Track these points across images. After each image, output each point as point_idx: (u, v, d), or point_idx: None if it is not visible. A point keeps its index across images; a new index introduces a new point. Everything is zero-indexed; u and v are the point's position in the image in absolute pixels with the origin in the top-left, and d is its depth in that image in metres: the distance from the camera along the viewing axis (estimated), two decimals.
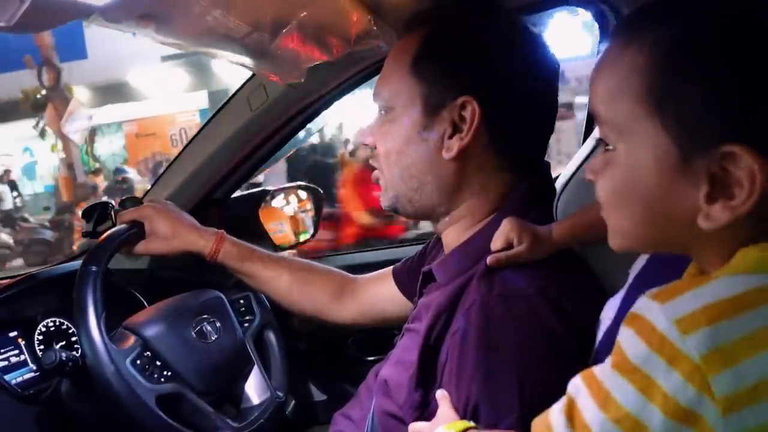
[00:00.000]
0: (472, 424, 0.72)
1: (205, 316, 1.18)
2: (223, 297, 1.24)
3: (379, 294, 1.18)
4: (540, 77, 0.89)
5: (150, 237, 1.16)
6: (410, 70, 0.87)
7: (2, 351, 1.14)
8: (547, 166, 0.94)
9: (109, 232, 1.14)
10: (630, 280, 0.73)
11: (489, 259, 0.80)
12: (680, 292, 0.51)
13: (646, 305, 0.52)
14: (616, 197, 0.58)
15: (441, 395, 0.77)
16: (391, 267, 1.18)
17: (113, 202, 1.28)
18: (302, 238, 1.61)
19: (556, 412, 0.58)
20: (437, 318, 0.81)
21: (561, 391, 0.57)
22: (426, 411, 0.80)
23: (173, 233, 1.16)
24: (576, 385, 0.56)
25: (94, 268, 1.07)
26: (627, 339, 0.52)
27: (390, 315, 1.17)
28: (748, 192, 0.51)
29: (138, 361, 1.06)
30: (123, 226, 1.15)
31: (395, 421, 0.84)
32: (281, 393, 1.23)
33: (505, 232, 0.81)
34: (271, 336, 1.30)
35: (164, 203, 1.22)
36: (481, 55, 0.85)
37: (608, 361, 0.53)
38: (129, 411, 1.01)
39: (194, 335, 1.15)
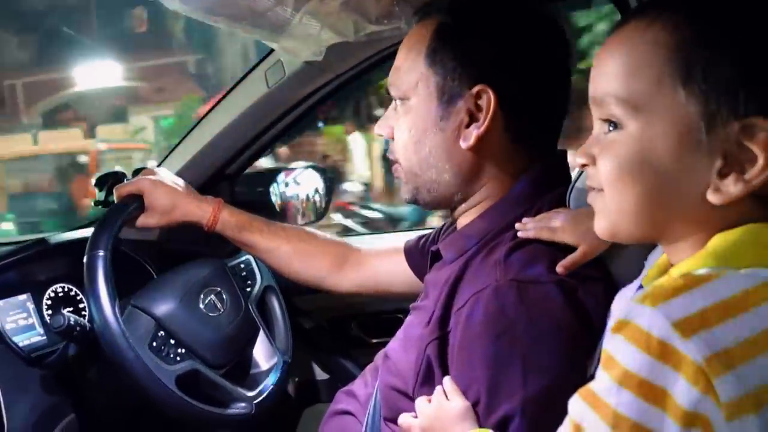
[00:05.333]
0: None
1: (211, 287, 1.18)
2: (225, 264, 1.23)
3: (386, 267, 1.18)
4: (554, 62, 0.88)
5: (149, 211, 1.13)
6: (425, 61, 0.87)
7: (11, 313, 1.14)
8: (563, 152, 0.93)
9: (110, 209, 1.12)
10: (644, 272, 0.73)
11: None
12: (670, 296, 0.50)
13: (635, 310, 0.50)
14: (623, 175, 0.57)
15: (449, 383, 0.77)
16: (403, 242, 1.16)
17: (126, 172, 1.27)
18: (313, 217, 1.61)
19: None
20: (441, 292, 0.82)
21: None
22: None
23: (172, 205, 1.13)
24: (578, 408, 0.53)
25: (101, 253, 1.04)
26: (620, 348, 0.50)
27: (394, 290, 1.16)
28: (764, 163, 0.51)
29: (154, 344, 1.07)
30: (123, 203, 1.12)
31: (398, 394, 0.85)
32: (287, 356, 1.23)
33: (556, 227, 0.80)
34: (273, 299, 1.30)
35: (159, 172, 1.18)
36: (495, 43, 0.85)
37: (603, 374, 0.51)
38: (150, 395, 1.02)
39: (204, 309, 1.15)
